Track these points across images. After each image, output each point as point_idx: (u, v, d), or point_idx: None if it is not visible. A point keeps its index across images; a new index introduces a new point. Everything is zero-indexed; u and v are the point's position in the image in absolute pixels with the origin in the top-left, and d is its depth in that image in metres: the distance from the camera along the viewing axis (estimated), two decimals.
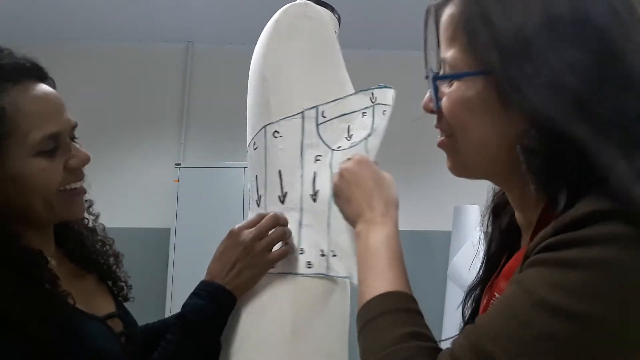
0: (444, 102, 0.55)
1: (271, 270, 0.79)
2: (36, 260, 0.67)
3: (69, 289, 0.68)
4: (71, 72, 3.17)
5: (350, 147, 0.81)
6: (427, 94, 0.58)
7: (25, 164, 0.66)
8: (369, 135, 0.80)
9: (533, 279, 0.42)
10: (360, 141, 0.80)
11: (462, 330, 0.48)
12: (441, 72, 0.56)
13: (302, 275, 0.78)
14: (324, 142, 0.83)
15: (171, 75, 3.56)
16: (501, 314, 0.43)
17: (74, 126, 0.73)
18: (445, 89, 0.55)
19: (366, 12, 3.07)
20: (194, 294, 0.78)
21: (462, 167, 0.58)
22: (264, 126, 0.85)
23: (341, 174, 0.69)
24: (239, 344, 0.76)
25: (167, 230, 2.96)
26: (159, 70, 3.56)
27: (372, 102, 0.84)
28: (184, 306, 0.77)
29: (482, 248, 0.69)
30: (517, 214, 0.61)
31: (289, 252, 0.79)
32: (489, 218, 0.68)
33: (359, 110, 0.84)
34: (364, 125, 0.83)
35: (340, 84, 0.88)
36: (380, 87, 0.84)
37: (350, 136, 0.83)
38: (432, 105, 0.57)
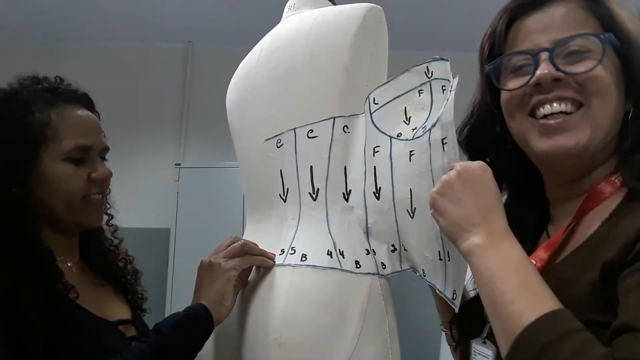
0: (597, 68, 0.57)
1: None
2: (43, 255, 0.72)
3: (86, 294, 0.73)
4: (71, 72, 3.11)
5: (413, 138, 0.74)
6: (545, 69, 0.59)
7: (54, 166, 0.75)
8: (433, 125, 0.71)
9: None
10: (425, 133, 0.72)
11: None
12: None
13: (381, 275, 0.77)
14: (379, 130, 0.79)
15: (171, 75, 3.56)
16: None
17: (105, 148, 0.84)
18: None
19: None
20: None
21: (589, 143, 0.59)
22: (334, 117, 0.82)
23: (460, 172, 0.60)
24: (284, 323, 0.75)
25: (167, 230, 2.96)
26: (159, 70, 3.56)
27: (428, 77, 0.76)
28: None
29: None
30: (553, 191, 0.67)
31: (251, 259, 0.81)
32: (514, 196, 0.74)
33: (414, 89, 0.78)
34: (422, 104, 0.76)
35: None
36: (436, 60, 0.75)
37: (408, 119, 0.78)
38: (557, 72, 0.58)
